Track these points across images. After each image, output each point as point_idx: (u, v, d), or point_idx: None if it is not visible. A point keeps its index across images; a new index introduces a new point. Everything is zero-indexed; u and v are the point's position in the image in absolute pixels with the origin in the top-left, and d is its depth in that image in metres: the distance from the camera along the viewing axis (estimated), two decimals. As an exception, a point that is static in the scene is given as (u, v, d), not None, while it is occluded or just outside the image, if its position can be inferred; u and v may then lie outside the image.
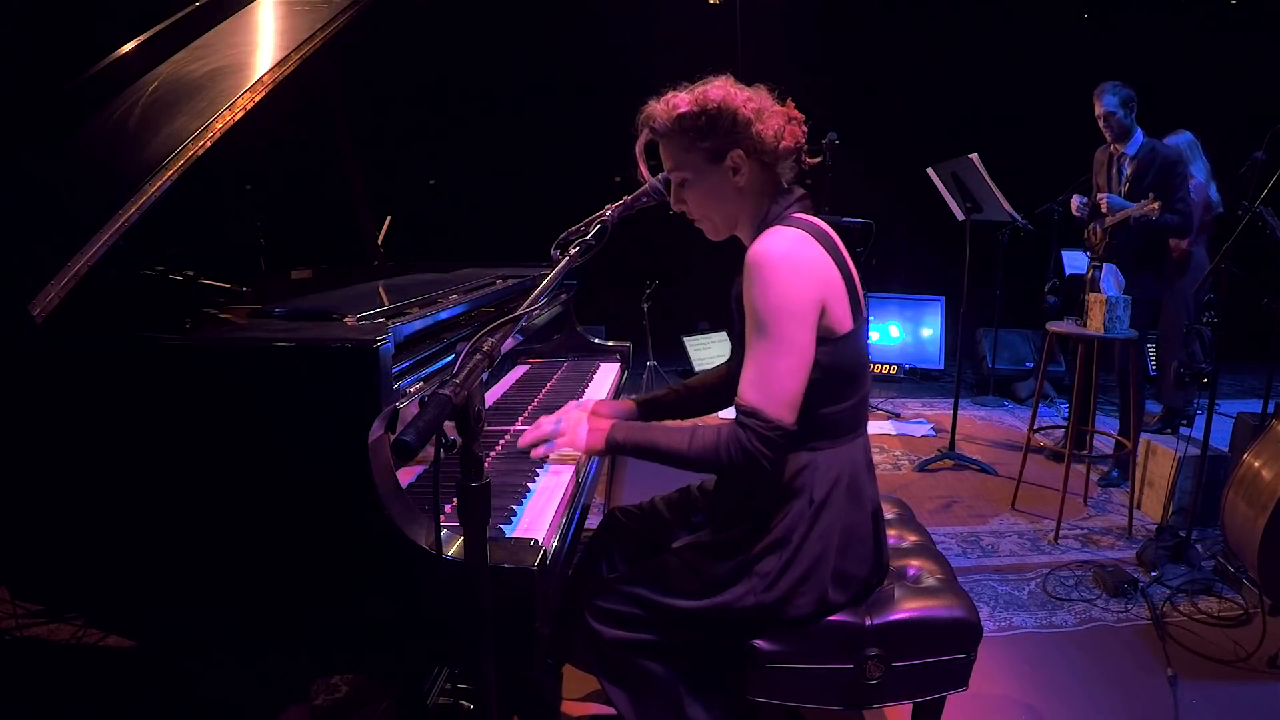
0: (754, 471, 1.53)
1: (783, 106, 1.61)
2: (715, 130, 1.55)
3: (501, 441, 1.96)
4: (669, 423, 1.88)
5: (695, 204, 1.64)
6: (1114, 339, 3.46)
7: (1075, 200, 4.08)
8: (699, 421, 1.64)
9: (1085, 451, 3.99)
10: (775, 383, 1.49)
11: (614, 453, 1.67)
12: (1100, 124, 3.94)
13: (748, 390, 1.51)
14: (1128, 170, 3.92)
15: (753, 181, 1.60)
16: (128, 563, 1.45)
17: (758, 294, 1.48)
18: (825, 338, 1.54)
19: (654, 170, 1.67)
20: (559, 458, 1.74)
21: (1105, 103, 3.88)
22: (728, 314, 1.67)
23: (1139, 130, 3.92)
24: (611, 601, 1.65)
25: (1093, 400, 4.18)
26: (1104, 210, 3.81)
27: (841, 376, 1.59)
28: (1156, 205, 3.50)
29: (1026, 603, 2.96)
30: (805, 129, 1.62)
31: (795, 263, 1.50)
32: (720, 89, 1.56)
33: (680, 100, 1.56)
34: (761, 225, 1.59)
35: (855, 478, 1.64)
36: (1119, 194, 3.87)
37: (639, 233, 2.06)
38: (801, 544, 1.59)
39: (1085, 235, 4.04)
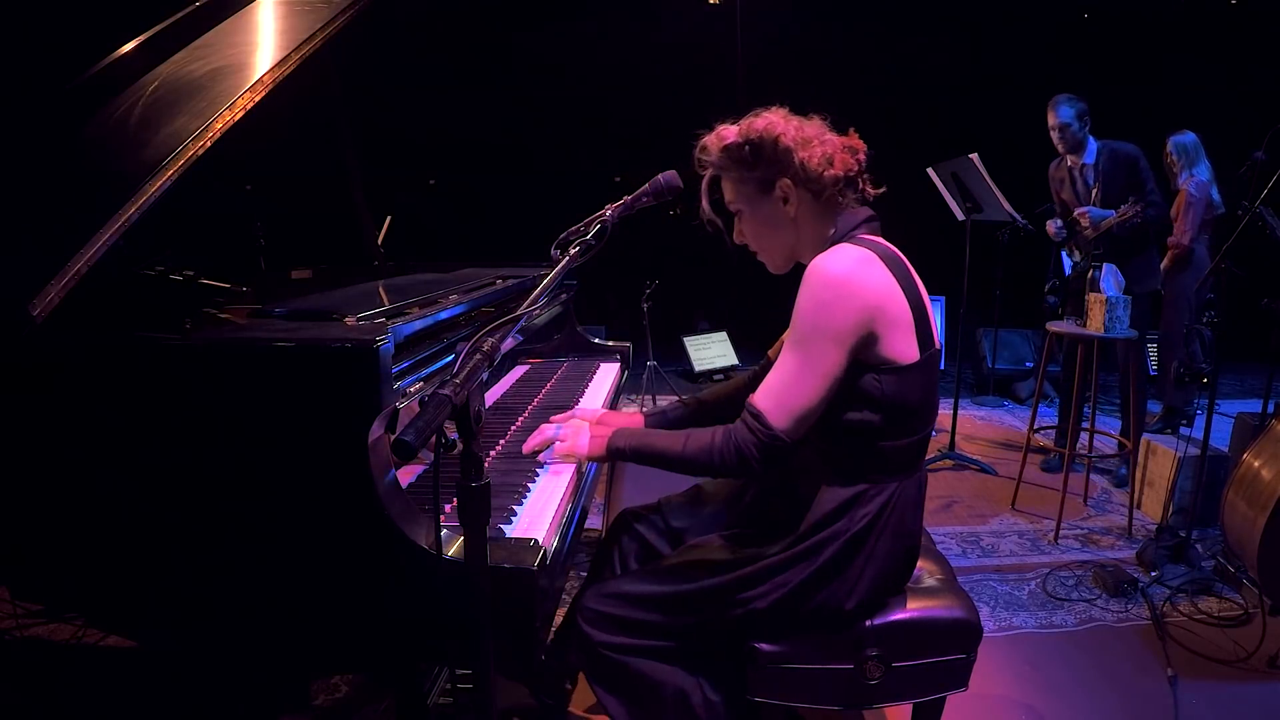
0: (743, 474, 1.52)
1: (842, 136, 1.60)
2: (760, 159, 1.55)
3: (501, 441, 1.96)
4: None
5: (751, 235, 1.65)
6: (1114, 339, 3.46)
7: (1051, 225, 4.11)
8: None
9: (1086, 452, 3.99)
10: (790, 396, 1.49)
11: (615, 458, 1.66)
12: (1054, 135, 3.95)
13: (762, 393, 1.51)
14: (1093, 179, 3.93)
15: (805, 211, 1.58)
16: (128, 563, 1.46)
17: (803, 307, 1.48)
18: (885, 367, 1.50)
19: (715, 206, 1.67)
20: (561, 457, 1.75)
21: (1061, 114, 3.88)
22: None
23: (1092, 139, 3.93)
24: (605, 604, 1.63)
25: (1093, 400, 4.18)
26: (1086, 225, 3.81)
27: (905, 411, 1.54)
28: (1139, 208, 3.51)
29: (1026, 603, 2.96)
30: (863, 159, 1.59)
31: (849, 283, 1.47)
32: (765, 119, 1.56)
33: (728, 132, 1.58)
34: (828, 246, 1.57)
35: (902, 513, 1.61)
36: (1093, 204, 3.88)
37: (639, 233, 2.06)
38: (830, 561, 1.57)
39: (1068, 252, 4.05)
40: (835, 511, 1.57)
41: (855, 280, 1.48)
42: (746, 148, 1.56)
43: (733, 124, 1.59)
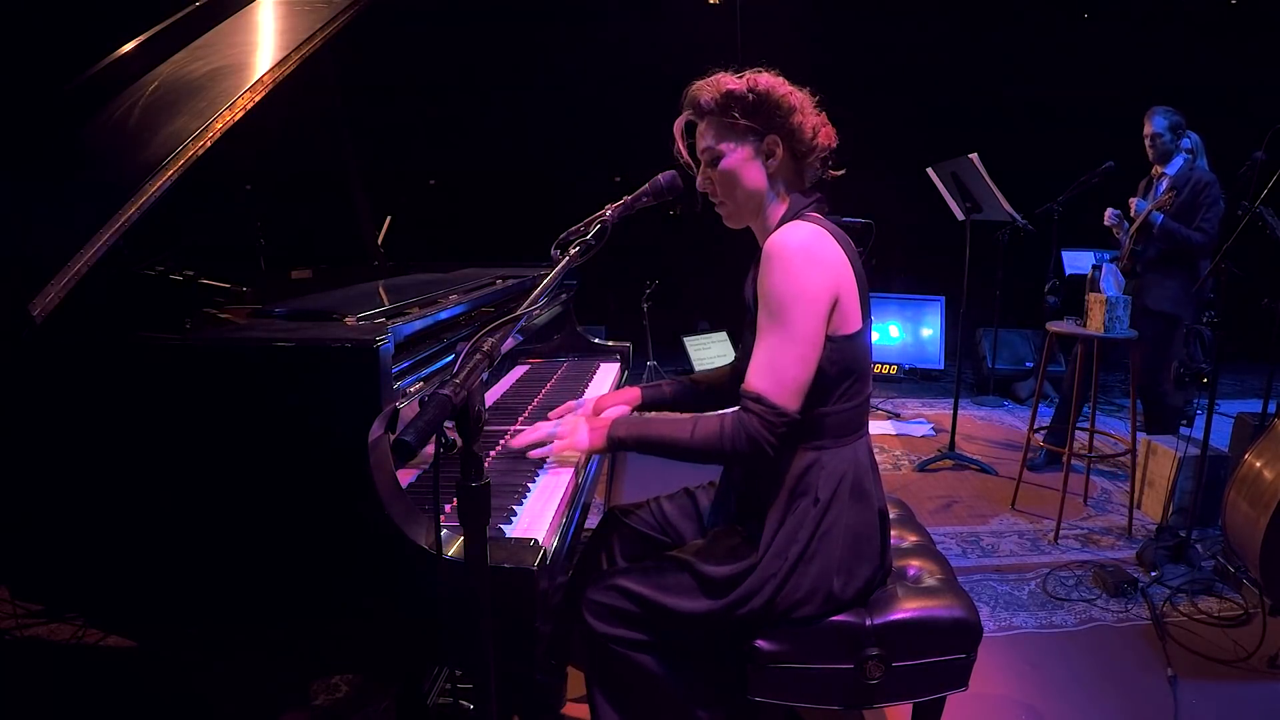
0: (757, 459, 1.54)
1: (820, 114, 1.66)
2: (760, 111, 1.60)
3: (501, 441, 1.96)
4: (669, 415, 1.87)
5: (721, 182, 1.67)
6: (1114, 338, 3.46)
7: (1109, 212, 4.13)
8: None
9: (1087, 451, 3.99)
10: (783, 370, 1.51)
11: (616, 449, 1.67)
12: (1146, 143, 4.02)
13: (755, 376, 1.53)
14: (1163, 187, 3.98)
15: (781, 170, 1.64)
16: (128, 563, 1.45)
17: (774, 281, 1.52)
18: (836, 335, 1.57)
19: (689, 150, 1.70)
20: (559, 460, 1.75)
21: (1155, 124, 3.96)
22: (738, 310, 1.69)
23: (1181, 155, 4.00)
24: (609, 597, 1.64)
25: (1093, 400, 4.17)
26: (1132, 214, 3.87)
27: (851, 375, 1.61)
28: (1170, 196, 3.53)
29: (1026, 603, 2.96)
30: (836, 140, 1.66)
31: (812, 254, 1.53)
32: (768, 78, 1.62)
33: (729, 80, 1.62)
34: (780, 222, 1.63)
35: (859, 477, 1.65)
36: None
37: (639, 233, 2.06)
38: (808, 545, 1.59)
39: (1116, 260, 4.07)
40: (795, 482, 1.60)
41: (818, 250, 1.55)
42: (751, 96, 1.60)
43: (733, 75, 1.63)
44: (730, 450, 1.54)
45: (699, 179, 1.70)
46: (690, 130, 1.69)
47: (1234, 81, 6.18)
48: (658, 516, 1.96)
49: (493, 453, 1.88)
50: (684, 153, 1.70)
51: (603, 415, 1.84)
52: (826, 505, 1.60)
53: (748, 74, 1.63)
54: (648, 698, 1.63)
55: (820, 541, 1.60)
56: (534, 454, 1.71)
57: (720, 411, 1.59)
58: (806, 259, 1.52)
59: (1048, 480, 4.11)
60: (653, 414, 1.85)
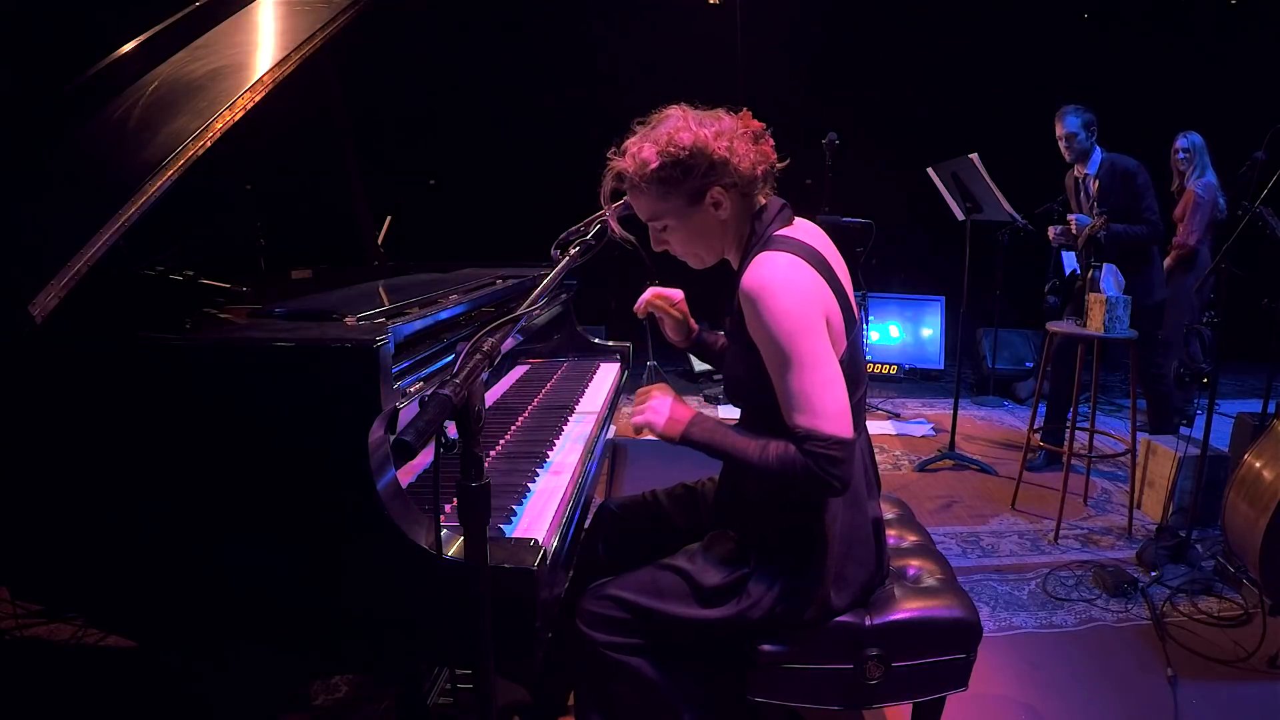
0: (824, 490, 1.50)
1: (738, 118, 1.57)
2: (691, 174, 1.52)
3: (501, 441, 1.96)
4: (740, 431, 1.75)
5: (680, 244, 1.63)
6: (1113, 338, 3.46)
7: (1052, 231, 4.16)
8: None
9: (1086, 451, 3.99)
10: (818, 400, 1.47)
11: (684, 445, 1.61)
12: (1061, 144, 4.04)
13: (795, 416, 1.48)
14: (1093, 189, 4.02)
15: (734, 211, 1.58)
16: (128, 563, 1.46)
17: (768, 323, 1.46)
18: None
19: (623, 222, 1.65)
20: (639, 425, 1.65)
21: (1067, 124, 3.97)
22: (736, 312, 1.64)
23: (1098, 149, 4.02)
24: (602, 606, 1.63)
25: (1093, 400, 4.18)
26: (1074, 231, 3.89)
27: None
28: (1103, 219, 3.57)
29: (1026, 603, 2.96)
30: (770, 139, 1.59)
31: (794, 284, 1.48)
32: (687, 132, 1.51)
33: (648, 153, 1.52)
34: (748, 249, 1.57)
35: (854, 481, 1.62)
36: (1088, 214, 3.93)
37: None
38: (803, 553, 1.58)
39: (1076, 256, 4.09)
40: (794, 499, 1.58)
41: (796, 280, 1.49)
42: (678, 168, 1.52)
43: (646, 141, 1.54)
44: (791, 477, 1.48)
45: (652, 243, 1.63)
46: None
47: (1234, 81, 6.18)
48: (652, 509, 1.94)
49: (493, 453, 1.88)
50: (615, 226, 1.64)
51: (685, 411, 1.66)
52: (821, 513, 1.59)
53: (660, 132, 1.53)
54: (637, 703, 1.62)
55: (815, 550, 1.59)
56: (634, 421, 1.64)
57: (787, 442, 1.51)
58: (790, 290, 1.47)
59: (1048, 480, 4.11)
60: (728, 423, 1.76)
